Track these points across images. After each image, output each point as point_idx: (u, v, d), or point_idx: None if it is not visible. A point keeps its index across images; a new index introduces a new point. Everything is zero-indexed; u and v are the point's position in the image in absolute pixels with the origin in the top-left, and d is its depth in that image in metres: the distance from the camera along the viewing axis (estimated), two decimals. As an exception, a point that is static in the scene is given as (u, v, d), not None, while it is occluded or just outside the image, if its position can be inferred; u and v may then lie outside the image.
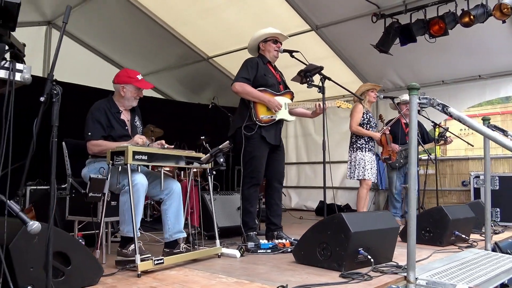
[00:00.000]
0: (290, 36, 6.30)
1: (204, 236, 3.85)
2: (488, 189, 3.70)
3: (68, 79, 6.95)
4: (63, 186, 3.46)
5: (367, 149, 5.04)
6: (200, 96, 8.76)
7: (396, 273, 2.62)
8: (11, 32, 1.66)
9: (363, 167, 4.97)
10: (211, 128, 7.08)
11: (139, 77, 3.07)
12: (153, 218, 5.28)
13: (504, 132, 3.55)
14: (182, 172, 5.04)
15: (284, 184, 8.41)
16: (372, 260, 2.65)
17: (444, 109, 2.52)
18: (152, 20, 6.69)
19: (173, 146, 3.06)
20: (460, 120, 2.50)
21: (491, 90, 6.25)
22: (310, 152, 8.29)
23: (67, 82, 6.61)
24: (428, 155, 5.37)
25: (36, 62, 7.05)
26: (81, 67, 7.48)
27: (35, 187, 5.17)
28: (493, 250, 3.69)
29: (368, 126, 5.08)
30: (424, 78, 6.65)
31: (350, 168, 5.06)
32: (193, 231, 3.53)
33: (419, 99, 2.57)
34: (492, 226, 4.99)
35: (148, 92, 8.47)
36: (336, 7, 5.69)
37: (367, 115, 5.10)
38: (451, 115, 2.51)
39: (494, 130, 3.56)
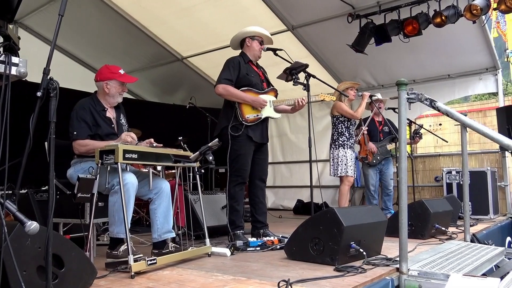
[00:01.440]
0: (266, 36, 6.40)
1: (190, 236, 3.79)
2: (466, 183, 3.84)
3: (37, 79, 6.72)
4: (43, 188, 3.34)
5: (348, 146, 5.13)
6: (173, 97, 8.64)
7: (388, 265, 2.67)
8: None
9: (345, 164, 5.06)
10: (188, 128, 7.00)
11: (122, 71, 3.00)
12: (133, 221, 5.17)
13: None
14: (163, 172, 4.95)
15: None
16: (364, 253, 2.70)
17: (432, 103, 2.61)
18: (124, 19, 6.55)
19: (161, 145, 3.01)
20: (447, 114, 2.58)
21: (459, 89, 6.48)
22: (285, 152, 8.35)
23: (34, 82, 6.40)
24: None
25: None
26: (51, 68, 7.22)
27: (10, 192, 4.97)
28: (472, 241, 3.83)
29: (348, 123, 5.17)
30: (396, 77, 6.57)
31: (333, 165, 5.11)
32: (180, 232, 3.48)
33: (408, 94, 2.63)
34: (465, 219, 5.20)
35: (121, 94, 8.31)
36: (312, 8, 5.76)
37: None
38: (439, 110, 2.60)
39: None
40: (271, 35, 6.22)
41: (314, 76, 3.66)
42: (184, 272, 2.60)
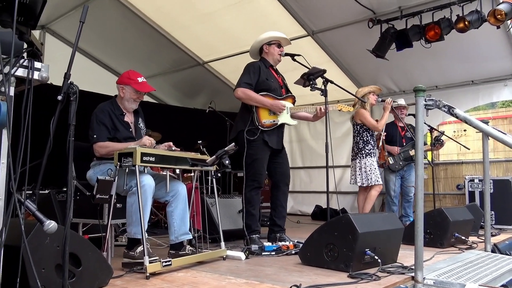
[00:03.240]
0: (286, 41, 6.42)
1: (206, 239, 3.83)
2: (487, 191, 3.76)
3: (61, 83, 6.90)
4: (64, 189, 3.43)
5: (374, 155, 5.10)
6: (194, 101, 8.74)
7: (403, 273, 2.64)
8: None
9: (375, 173, 5.00)
10: (207, 133, 7.07)
11: (140, 79, 3.05)
12: (152, 223, 5.24)
13: (503, 133, 3.60)
14: (182, 175, 5.01)
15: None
16: (379, 260, 2.67)
17: (450, 110, 2.57)
18: (147, 24, 6.68)
19: (180, 149, 3.06)
20: (466, 121, 2.54)
21: (483, 95, 6.35)
22: (305, 157, 8.32)
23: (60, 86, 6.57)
24: (426, 159, 5.44)
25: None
26: (76, 72, 7.39)
27: (31, 192, 5.12)
28: (493, 251, 3.74)
29: (372, 131, 5.13)
30: (418, 83, 6.49)
31: (360, 174, 5.00)
32: (196, 234, 3.51)
33: (425, 101, 2.60)
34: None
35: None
36: (332, 13, 5.74)
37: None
38: (457, 117, 2.56)
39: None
40: (291, 40, 6.31)
41: (332, 82, 3.66)
42: (198, 275, 2.63)
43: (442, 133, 5.34)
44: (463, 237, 3.86)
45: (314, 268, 2.84)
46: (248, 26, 6.24)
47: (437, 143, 5.33)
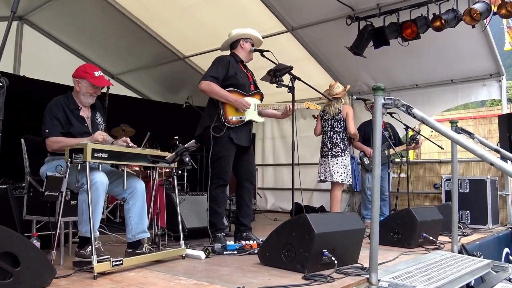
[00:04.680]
0: (266, 37, 6.32)
1: (171, 237, 3.77)
2: (455, 191, 3.73)
3: (39, 75, 6.79)
4: (22, 184, 3.34)
5: (349, 153, 5.08)
6: (177, 96, 8.66)
7: (359, 275, 2.60)
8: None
9: (349, 171, 5.01)
10: (185, 128, 6.99)
11: (97, 73, 2.96)
12: (123, 219, 5.16)
13: (470, 134, 3.58)
14: (152, 171, 4.93)
15: (260, 186, 8.44)
16: (335, 261, 2.63)
17: (408, 110, 2.52)
18: (127, 18, 6.59)
19: (136, 145, 2.98)
20: (423, 121, 2.50)
21: (462, 95, 6.34)
22: (288, 154, 8.26)
23: (35, 79, 6.46)
24: (400, 158, 5.41)
25: (6, 58, 6.83)
26: (54, 64, 7.31)
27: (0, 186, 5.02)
28: (460, 252, 3.72)
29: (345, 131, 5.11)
30: (398, 82, 6.72)
31: (345, 172, 4.98)
32: (159, 232, 3.45)
33: (384, 100, 2.55)
34: (461, 228, 5.06)
35: (122, 91, 8.35)
36: (311, 9, 5.69)
37: None
38: (414, 116, 2.51)
39: (460, 133, 3.60)
40: (271, 36, 6.30)
41: (299, 79, 3.60)
42: (150, 275, 2.57)
43: (418, 133, 5.31)
44: (431, 238, 3.83)
45: (272, 268, 2.79)
46: (228, 21, 6.15)
47: (412, 142, 5.30)
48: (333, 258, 2.64)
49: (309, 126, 7.60)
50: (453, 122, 3.69)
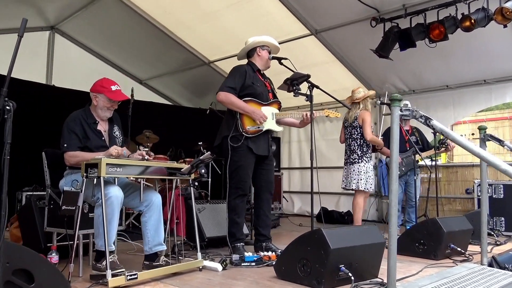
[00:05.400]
0: (289, 40, 6.31)
1: (191, 246, 3.78)
2: (484, 201, 3.54)
3: (71, 83, 7.00)
4: (41, 193, 3.43)
5: (371, 159, 4.94)
6: (203, 100, 8.74)
7: (378, 292, 2.51)
8: None
9: (368, 178, 4.86)
10: (209, 133, 7.03)
11: (114, 87, 2.99)
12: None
13: (500, 142, 3.40)
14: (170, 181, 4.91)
15: (287, 189, 8.37)
16: (352, 278, 2.55)
17: (426, 121, 2.41)
18: (153, 25, 6.68)
19: (153, 158, 3.00)
20: (443, 133, 2.38)
21: (496, 95, 6.06)
22: (315, 158, 8.15)
23: (65, 88, 6.67)
24: (430, 161, 5.23)
25: (38, 67, 7.09)
26: (85, 72, 7.52)
27: (31, 193, 5.20)
28: (490, 264, 3.54)
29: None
30: (427, 83, 6.51)
31: (365, 179, 4.80)
32: (178, 242, 3.47)
33: (401, 111, 2.45)
34: (494, 236, 4.84)
35: (149, 96, 8.50)
36: (335, 12, 5.58)
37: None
38: (433, 128, 2.39)
39: (489, 140, 3.43)
40: (294, 39, 6.23)
41: (317, 87, 3.52)
42: (164, 289, 2.57)
43: (447, 137, 5.09)
44: (459, 249, 3.67)
45: (287, 283, 2.74)
46: (250, 25, 6.16)
47: (442, 146, 5.10)
48: (350, 274, 2.56)
49: (335, 129, 7.50)
50: (481, 129, 3.51)
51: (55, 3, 6.59)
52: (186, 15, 6.35)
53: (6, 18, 6.42)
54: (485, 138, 3.47)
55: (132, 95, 5.44)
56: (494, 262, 3.61)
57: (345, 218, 6.73)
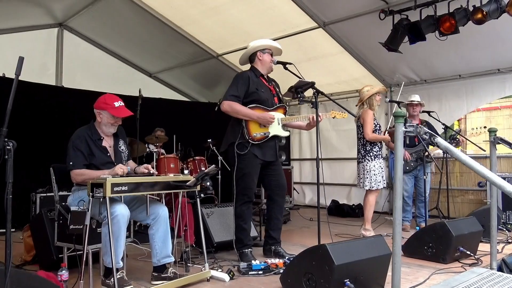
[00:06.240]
0: (297, 33, 6.21)
1: (199, 252, 3.82)
2: (494, 205, 3.49)
3: (81, 78, 7.09)
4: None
5: (380, 156, 4.86)
6: (213, 92, 8.74)
7: (383, 307, 2.52)
8: None
9: (382, 176, 4.79)
10: (217, 129, 7.04)
11: (117, 104, 2.99)
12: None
13: (510, 145, 3.33)
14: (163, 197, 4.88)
15: (298, 180, 8.38)
16: (357, 293, 2.56)
17: (431, 138, 2.36)
18: (159, 20, 6.63)
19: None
20: (447, 151, 2.34)
21: (511, 85, 5.91)
22: (325, 148, 8.10)
23: (74, 89, 6.74)
24: (443, 153, 5.10)
25: (48, 66, 7.14)
26: (95, 67, 7.59)
27: (45, 194, 5.30)
28: (499, 268, 3.51)
29: (378, 132, 4.86)
30: (440, 72, 6.37)
31: (369, 178, 4.76)
32: (187, 249, 3.51)
33: (405, 127, 2.40)
34: (506, 232, 4.80)
35: (159, 88, 8.53)
36: (342, 4, 5.46)
37: (376, 121, 4.88)
38: (438, 146, 2.36)
39: (499, 143, 3.36)
40: (302, 32, 6.13)
41: (322, 93, 3.47)
42: (171, 305, 2.62)
43: (457, 132, 5.02)
44: (468, 252, 3.64)
45: (293, 296, 2.76)
46: (257, 18, 6.09)
47: (452, 141, 5.01)
48: (355, 289, 2.57)
49: (347, 120, 7.37)
50: (491, 131, 3.44)
51: (63, 1, 6.58)
52: (191, 9, 6.29)
53: (14, 17, 6.45)
54: (495, 140, 3.40)
55: (140, 96, 5.44)
56: (504, 265, 3.59)
57: (356, 212, 6.72)
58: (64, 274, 2.74)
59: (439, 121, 4.99)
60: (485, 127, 5.31)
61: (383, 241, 2.97)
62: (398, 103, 4.80)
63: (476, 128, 5.63)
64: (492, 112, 7.63)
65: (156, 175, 3.00)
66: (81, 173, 2.88)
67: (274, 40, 4.36)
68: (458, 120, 5.22)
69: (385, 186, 4.85)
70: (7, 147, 1.77)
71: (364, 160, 4.80)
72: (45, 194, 5.26)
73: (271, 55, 3.82)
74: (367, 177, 4.78)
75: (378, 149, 4.80)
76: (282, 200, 3.90)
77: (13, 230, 5.32)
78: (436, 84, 6.56)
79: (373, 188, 4.75)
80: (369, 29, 5.66)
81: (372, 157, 4.76)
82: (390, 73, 6.70)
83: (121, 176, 2.74)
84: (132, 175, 2.91)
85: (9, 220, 1.78)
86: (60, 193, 3.41)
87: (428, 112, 5.10)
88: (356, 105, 4.96)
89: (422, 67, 6.36)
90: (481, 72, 6.05)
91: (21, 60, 1.82)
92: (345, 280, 2.62)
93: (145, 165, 3.06)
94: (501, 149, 4.45)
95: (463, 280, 3.11)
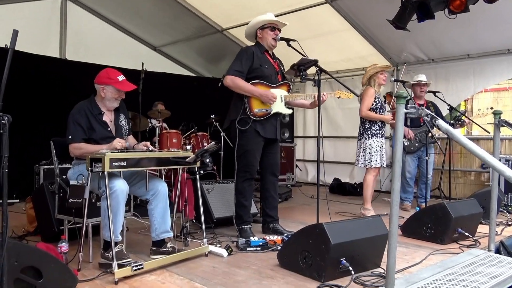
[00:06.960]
0: (303, 8, 6.09)
1: (199, 228, 3.86)
2: (495, 188, 3.47)
3: (85, 51, 7.04)
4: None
5: (380, 135, 4.81)
6: (218, 67, 8.66)
7: (377, 287, 2.54)
8: None
9: (382, 155, 4.76)
10: (221, 104, 7.00)
11: (120, 78, 2.98)
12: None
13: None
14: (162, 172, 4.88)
15: (301, 158, 8.38)
16: (352, 272, 2.58)
17: (432, 120, 2.33)
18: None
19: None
20: (448, 133, 2.31)
21: (520, 65, 5.80)
22: (329, 126, 8.06)
23: (78, 61, 6.70)
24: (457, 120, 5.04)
25: (52, 39, 7.08)
26: (99, 39, 7.53)
27: (48, 167, 5.34)
28: (497, 251, 3.52)
29: (380, 111, 4.79)
30: (447, 52, 6.26)
31: (364, 156, 4.77)
32: (186, 224, 3.55)
33: (407, 109, 2.37)
34: (507, 214, 4.79)
35: (164, 62, 8.47)
36: (350, -21, 5.33)
37: (379, 100, 4.81)
38: (439, 128, 2.32)
39: (503, 126, 3.32)
40: (309, 7, 6.01)
41: (325, 71, 3.42)
42: (168, 279, 2.66)
43: (462, 114, 4.96)
44: (467, 233, 3.65)
45: (290, 273, 2.79)
46: (262, -8, 5.96)
47: (457, 123, 4.96)
48: (350, 268, 2.59)
49: (353, 98, 7.33)
50: (496, 114, 3.39)
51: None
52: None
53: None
54: (499, 123, 3.36)
55: (142, 70, 5.40)
56: (502, 248, 3.59)
57: (358, 190, 6.72)
58: (64, 246, 2.79)
59: (445, 102, 4.92)
60: (491, 108, 5.23)
61: (381, 221, 2.98)
62: (403, 82, 4.74)
63: (484, 109, 5.54)
64: (500, 93, 7.50)
65: (159, 151, 3.00)
66: (79, 147, 2.88)
67: (279, 15, 4.28)
68: (465, 101, 5.12)
69: (384, 165, 4.82)
70: (2, 121, 1.76)
71: (362, 138, 4.79)
72: (48, 166, 5.29)
73: (272, 28, 3.72)
74: (362, 155, 4.77)
75: (378, 127, 4.75)
76: (275, 179, 3.90)
77: (17, 201, 5.44)
78: (443, 64, 6.45)
79: (367, 166, 4.75)
80: (377, 5, 5.53)
81: (370, 135, 4.73)
82: (398, 51, 6.59)
83: (120, 150, 2.74)
84: (131, 151, 2.92)
85: (5, 194, 1.79)
86: (62, 166, 3.45)
87: (434, 92, 5.03)
88: (355, 94, 4.89)
89: (430, 46, 6.24)
90: (490, 52, 5.93)
91: (15, 33, 1.79)
92: (341, 259, 2.64)
93: (144, 142, 3.06)
94: (506, 131, 4.41)
95: (459, 261, 3.12)
